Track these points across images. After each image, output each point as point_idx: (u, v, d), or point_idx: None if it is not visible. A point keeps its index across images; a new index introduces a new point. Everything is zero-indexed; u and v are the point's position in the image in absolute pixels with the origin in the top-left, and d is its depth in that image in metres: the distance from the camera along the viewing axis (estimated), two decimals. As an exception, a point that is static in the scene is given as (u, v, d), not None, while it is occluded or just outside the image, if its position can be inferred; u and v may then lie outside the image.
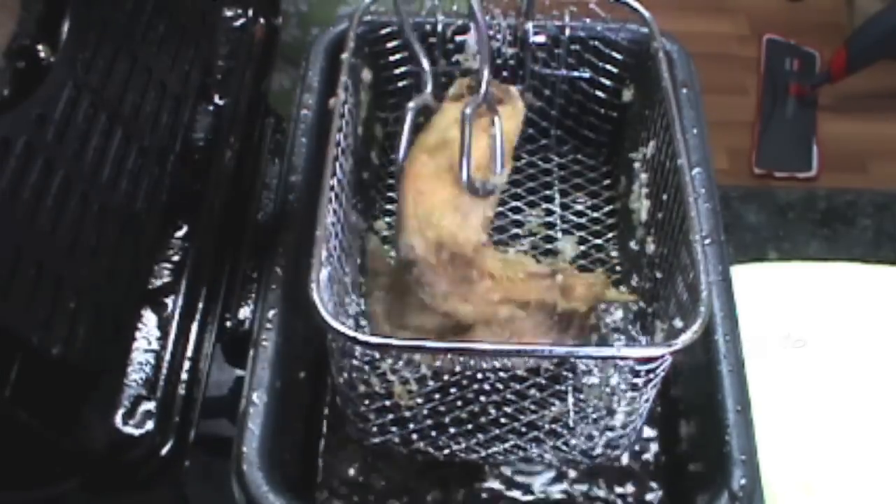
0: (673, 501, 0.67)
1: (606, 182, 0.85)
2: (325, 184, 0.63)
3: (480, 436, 0.68)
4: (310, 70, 0.79)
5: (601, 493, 0.69)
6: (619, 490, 0.69)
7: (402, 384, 0.67)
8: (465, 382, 0.69)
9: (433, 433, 0.67)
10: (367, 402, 0.66)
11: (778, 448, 0.81)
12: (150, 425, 0.62)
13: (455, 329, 0.66)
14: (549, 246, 0.80)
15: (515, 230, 0.81)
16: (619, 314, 0.77)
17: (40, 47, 0.58)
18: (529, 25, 0.79)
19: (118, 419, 0.62)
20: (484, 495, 0.68)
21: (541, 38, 0.81)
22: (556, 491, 0.69)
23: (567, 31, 0.81)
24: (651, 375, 0.59)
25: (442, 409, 0.68)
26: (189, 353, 0.66)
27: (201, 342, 0.68)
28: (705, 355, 0.66)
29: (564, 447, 0.68)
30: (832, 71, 2.05)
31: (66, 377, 0.61)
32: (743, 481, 0.60)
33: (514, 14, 0.78)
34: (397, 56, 0.81)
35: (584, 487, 0.69)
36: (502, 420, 0.69)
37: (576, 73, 0.83)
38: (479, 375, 0.69)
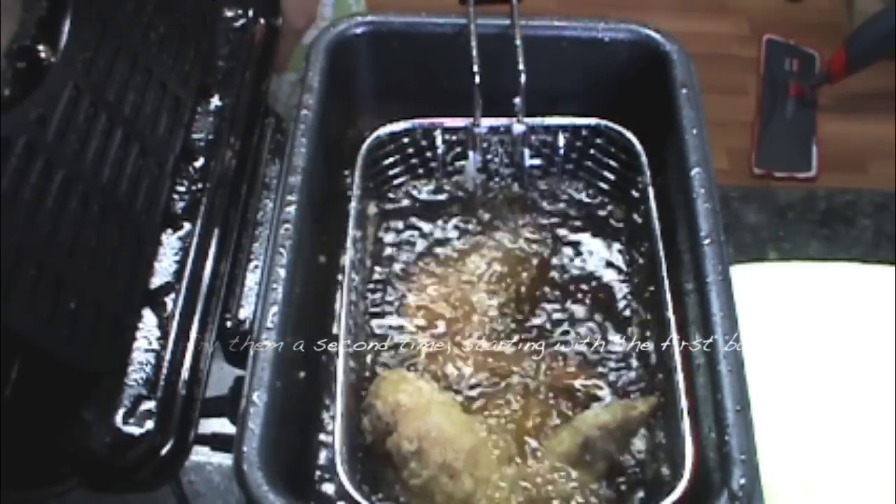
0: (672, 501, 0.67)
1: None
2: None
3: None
4: (310, 70, 0.79)
5: (604, 494, 0.69)
6: (618, 491, 0.69)
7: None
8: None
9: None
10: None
11: (778, 448, 0.81)
12: (150, 425, 0.62)
13: None
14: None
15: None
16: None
17: (40, 47, 0.58)
18: (522, 128, 0.80)
19: (118, 419, 0.62)
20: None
21: (536, 161, 0.83)
22: None
23: (561, 151, 0.83)
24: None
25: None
26: (189, 353, 0.67)
27: (201, 342, 0.68)
28: (705, 355, 0.66)
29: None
30: (832, 71, 2.05)
31: (66, 377, 0.61)
32: (743, 481, 0.60)
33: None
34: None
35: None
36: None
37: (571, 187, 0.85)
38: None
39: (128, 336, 0.65)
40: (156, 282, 0.69)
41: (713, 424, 0.63)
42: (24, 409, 0.58)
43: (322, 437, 0.72)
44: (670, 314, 0.71)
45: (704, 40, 1.98)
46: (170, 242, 0.71)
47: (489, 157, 0.83)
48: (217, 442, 0.71)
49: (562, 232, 0.83)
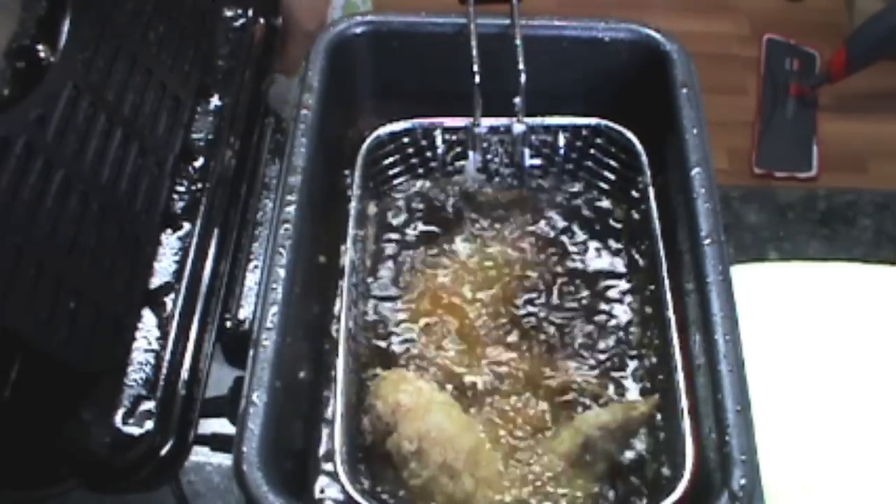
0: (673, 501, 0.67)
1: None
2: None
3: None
4: (310, 70, 0.79)
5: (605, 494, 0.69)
6: (618, 491, 0.69)
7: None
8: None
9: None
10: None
11: (778, 448, 0.81)
12: (150, 425, 0.62)
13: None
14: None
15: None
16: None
17: (40, 47, 0.59)
18: (522, 128, 0.80)
19: (118, 419, 0.62)
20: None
21: (536, 161, 0.83)
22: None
23: (561, 151, 0.83)
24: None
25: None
26: (189, 353, 0.66)
27: (201, 342, 0.68)
28: (705, 355, 0.66)
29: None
30: (832, 71, 2.05)
31: (66, 377, 0.61)
32: (743, 481, 0.60)
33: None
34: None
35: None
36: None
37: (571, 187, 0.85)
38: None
39: (127, 336, 0.65)
40: (155, 282, 0.68)
41: (713, 424, 0.63)
42: (23, 409, 0.58)
43: (322, 437, 0.72)
44: (670, 314, 0.70)
45: (704, 40, 1.99)
46: (169, 242, 0.71)
47: (489, 157, 0.83)
48: (217, 442, 0.71)
49: (562, 232, 0.83)
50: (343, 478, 0.62)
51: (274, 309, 0.67)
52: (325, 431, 0.72)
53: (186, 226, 0.71)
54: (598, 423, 0.68)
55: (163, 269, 0.69)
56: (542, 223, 0.83)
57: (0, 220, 0.54)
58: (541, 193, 0.85)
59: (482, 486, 0.66)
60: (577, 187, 0.85)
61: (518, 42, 0.77)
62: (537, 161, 0.84)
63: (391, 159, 0.83)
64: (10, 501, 0.61)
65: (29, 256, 0.55)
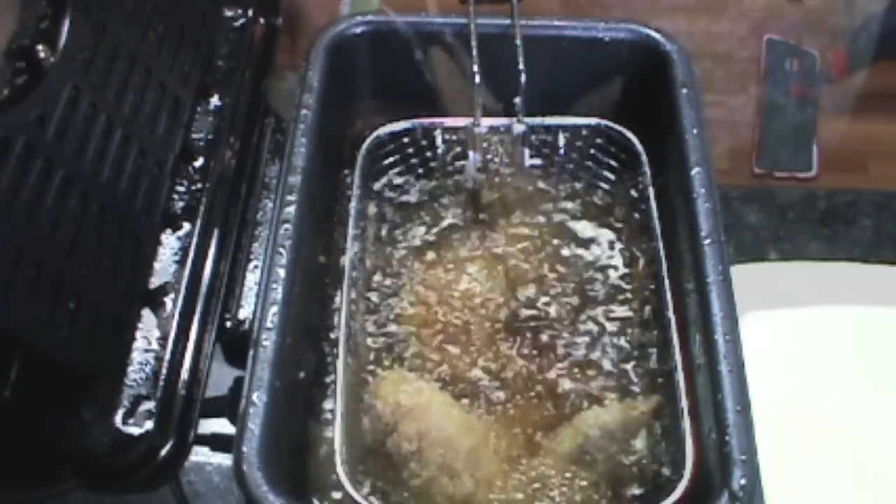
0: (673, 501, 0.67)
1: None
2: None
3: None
4: (310, 70, 0.79)
5: (605, 494, 0.69)
6: (618, 491, 0.69)
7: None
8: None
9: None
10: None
11: (778, 448, 0.81)
12: (149, 425, 0.62)
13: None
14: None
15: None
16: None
17: (40, 47, 0.59)
18: (522, 128, 0.80)
19: (118, 419, 0.62)
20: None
21: (536, 161, 0.83)
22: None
23: (561, 151, 0.83)
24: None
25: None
26: (189, 353, 0.67)
27: (201, 342, 0.68)
28: (705, 355, 0.66)
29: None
30: (832, 71, 2.05)
31: (66, 377, 0.61)
32: (743, 481, 0.60)
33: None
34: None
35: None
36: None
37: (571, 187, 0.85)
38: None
39: (127, 336, 0.65)
40: (155, 282, 0.69)
41: (713, 424, 0.63)
42: (23, 409, 0.58)
43: (322, 437, 0.72)
44: (671, 314, 0.71)
45: (704, 40, 1.99)
46: (169, 242, 0.71)
47: (489, 157, 0.83)
48: (217, 442, 0.71)
49: (562, 232, 0.83)
50: (343, 478, 0.62)
51: (274, 309, 0.67)
52: (325, 431, 0.72)
53: (186, 226, 0.71)
54: (598, 423, 0.68)
55: (163, 269, 0.69)
56: (542, 223, 0.83)
57: (0, 220, 0.54)
58: (541, 193, 0.85)
59: (482, 486, 0.66)
60: (577, 187, 0.85)
61: (518, 42, 0.77)
62: (537, 161, 0.84)
63: (391, 159, 0.83)
64: (10, 501, 0.61)
65: (29, 256, 0.55)
